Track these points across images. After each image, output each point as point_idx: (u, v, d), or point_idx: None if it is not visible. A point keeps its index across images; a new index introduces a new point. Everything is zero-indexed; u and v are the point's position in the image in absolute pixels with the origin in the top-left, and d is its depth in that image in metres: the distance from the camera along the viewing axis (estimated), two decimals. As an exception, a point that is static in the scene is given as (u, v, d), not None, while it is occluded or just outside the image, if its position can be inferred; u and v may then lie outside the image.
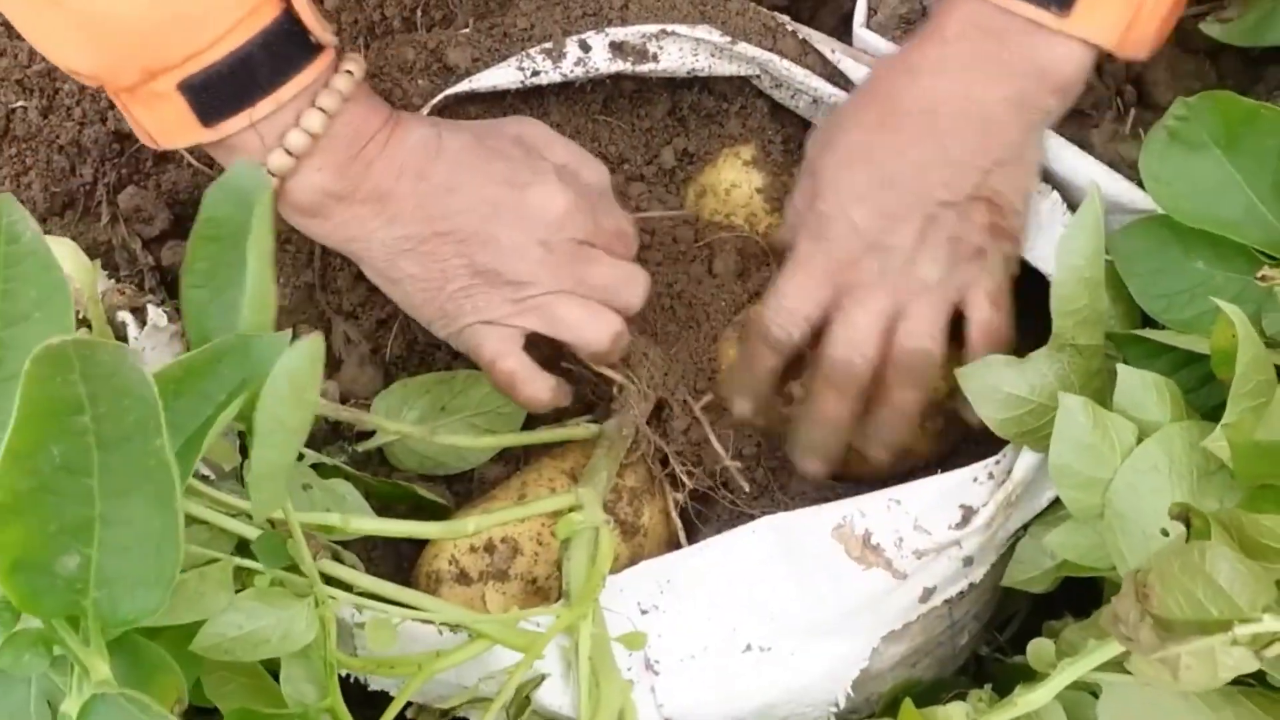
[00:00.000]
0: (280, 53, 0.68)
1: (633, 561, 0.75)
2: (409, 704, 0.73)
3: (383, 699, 0.71)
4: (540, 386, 0.76)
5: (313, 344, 0.55)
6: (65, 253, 0.79)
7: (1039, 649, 0.67)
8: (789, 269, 0.75)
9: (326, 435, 0.84)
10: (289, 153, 0.69)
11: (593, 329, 0.75)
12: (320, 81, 0.70)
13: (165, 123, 0.69)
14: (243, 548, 0.65)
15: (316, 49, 0.70)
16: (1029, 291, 0.76)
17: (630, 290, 0.77)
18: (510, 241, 0.73)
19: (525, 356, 0.76)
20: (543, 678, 0.70)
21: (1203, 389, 0.70)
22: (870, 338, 0.73)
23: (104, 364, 0.48)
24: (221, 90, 0.67)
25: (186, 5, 0.65)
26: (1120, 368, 0.68)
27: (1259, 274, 0.61)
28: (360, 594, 0.67)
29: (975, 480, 0.71)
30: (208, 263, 0.61)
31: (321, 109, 0.69)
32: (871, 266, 0.73)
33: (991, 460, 0.72)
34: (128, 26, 0.65)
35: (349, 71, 0.71)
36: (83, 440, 0.49)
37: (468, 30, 0.85)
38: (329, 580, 0.66)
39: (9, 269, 0.54)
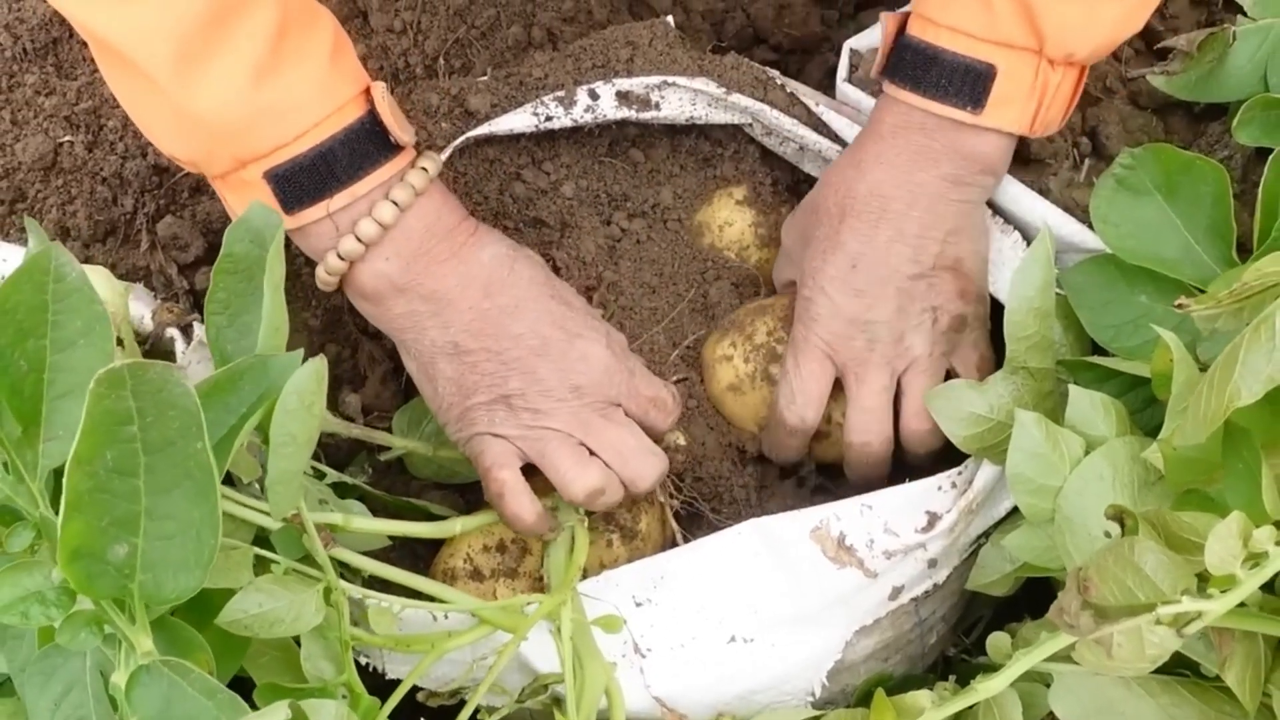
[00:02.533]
0: (359, 149, 0.72)
1: (630, 561, 0.81)
2: (418, 689, 0.79)
3: (395, 688, 0.76)
4: (526, 505, 0.77)
5: (317, 365, 0.61)
6: (99, 278, 0.83)
7: (997, 641, 0.73)
8: (789, 359, 0.82)
9: (351, 447, 0.90)
10: (359, 239, 0.73)
11: (573, 475, 0.76)
12: (396, 177, 0.74)
13: None
14: (260, 543, 0.70)
15: (395, 148, 0.74)
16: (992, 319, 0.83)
17: (640, 465, 0.78)
18: (546, 377, 0.77)
19: (520, 475, 0.78)
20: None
21: (1146, 410, 0.77)
22: (880, 419, 0.80)
23: (152, 381, 0.54)
24: (303, 181, 0.71)
25: (277, 100, 0.69)
26: (1071, 388, 0.74)
27: (1177, 302, 0.67)
28: (371, 582, 0.73)
29: (939, 489, 0.78)
30: (226, 293, 0.68)
31: (394, 201, 0.73)
32: (860, 341, 0.79)
33: (954, 471, 0.78)
34: (223, 120, 0.69)
35: (424, 169, 0.75)
36: (131, 446, 0.55)
37: (486, 78, 0.90)
38: (347, 570, 0.72)
39: (57, 303, 0.60)
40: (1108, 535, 0.69)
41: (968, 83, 0.75)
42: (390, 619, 0.72)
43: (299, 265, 0.92)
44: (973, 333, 0.82)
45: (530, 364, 0.77)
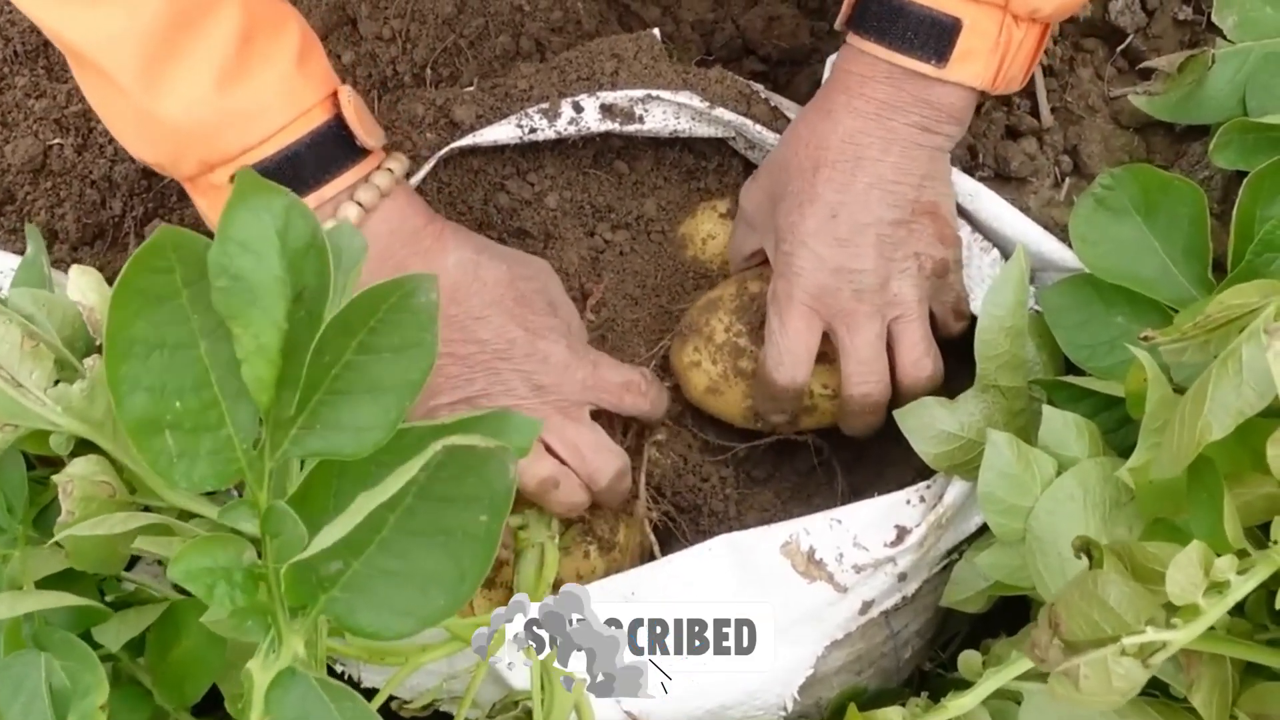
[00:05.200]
0: (325, 154, 0.73)
1: (608, 574, 0.81)
2: (391, 698, 0.79)
3: (370, 696, 0.77)
4: None
5: None
6: (90, 282, 0.79)
7: (968, 659, 0.74)
8: (773, 318, 0.80)
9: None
10: None
11: (523, 465, 0.76)
12: (362, 180, 0.75)
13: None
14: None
15: (362, 152, 0.75)
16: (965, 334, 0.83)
17: (597, 460, 0.79)
18: (510, 378, 0.78)
19: None
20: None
21: (1120, 430, 0.77)
22: (877, 368, 0.80)
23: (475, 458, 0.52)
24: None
25: (242, 105, 0.70)
26: (1045, 408, 0.75)
27: (1142, 334, 0.67)
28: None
29: (909, 503, 0.78)
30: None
31: (359, 203, 0.74)
32: (847, 292, 0.79)
33: (923, 485, 0.79)
34: (188, 124, 0.70)
35: (389, 170, 0.75)
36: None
37: (472, 89, 0.91)
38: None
39: (388, 315, 0.56)
40: (1077, 557, 0.69)
41: (933, 36, 0.75)
42: None
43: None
44: (952, 275, 0.82)
45: (494, 366, 0.78)
